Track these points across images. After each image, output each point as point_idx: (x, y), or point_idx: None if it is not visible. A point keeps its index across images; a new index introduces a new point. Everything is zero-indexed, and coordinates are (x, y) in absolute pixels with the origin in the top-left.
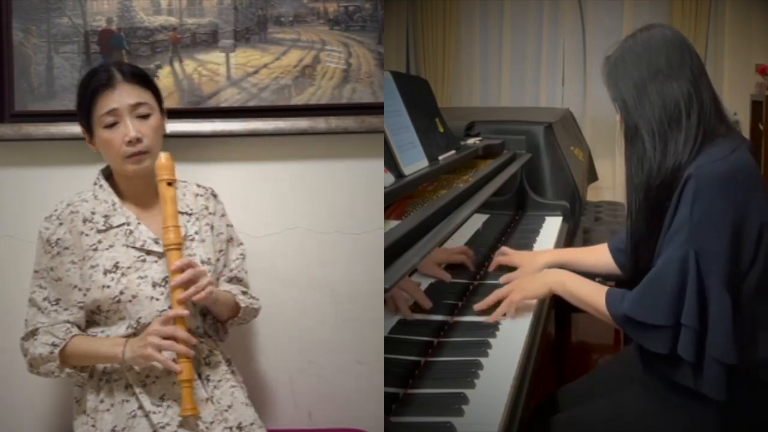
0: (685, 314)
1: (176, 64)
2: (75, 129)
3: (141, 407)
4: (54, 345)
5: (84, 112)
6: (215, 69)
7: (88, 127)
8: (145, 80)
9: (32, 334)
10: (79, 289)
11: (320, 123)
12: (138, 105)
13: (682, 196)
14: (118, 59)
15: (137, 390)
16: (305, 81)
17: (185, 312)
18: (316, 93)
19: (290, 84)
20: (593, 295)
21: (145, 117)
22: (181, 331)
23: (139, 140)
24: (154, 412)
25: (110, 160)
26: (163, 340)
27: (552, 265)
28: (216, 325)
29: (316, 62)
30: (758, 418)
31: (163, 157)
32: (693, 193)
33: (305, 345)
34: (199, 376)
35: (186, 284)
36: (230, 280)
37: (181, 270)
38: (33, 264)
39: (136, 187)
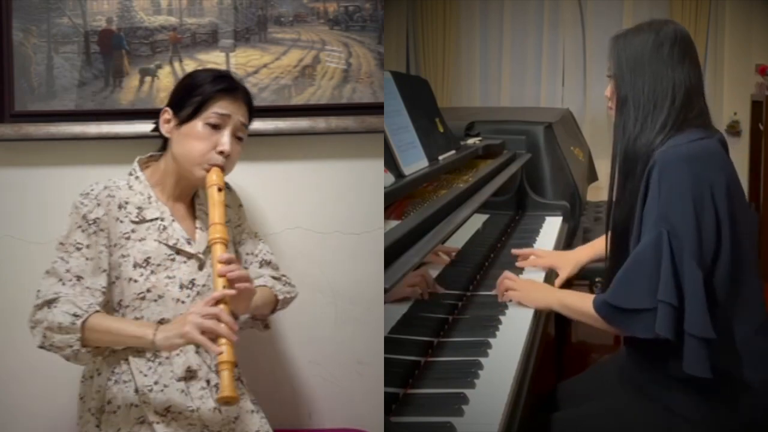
0: (661, 290)
1: (176, 64)
2: (75, 129)
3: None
4: (76, 315)
5: (193, 101)
6: None
7: (191, 113)
8: (252, 109)
9: (50, 302)
10: (107, 275)
11: (320, 123)
12: (243, 126)
13: (650, 180)
14: (118, 59)
15: (142, 398)
16: (305, 81)
17: (232, 291)
18: (316, 93)
19: (290, 84)
20: (586, 304)
21: (239, 140)
22: (225, 314)
23: (228, 156)
24: (158, 422)
25: (185, 153)
26: (205, 320)
27: (592, 260)
28: (255, 323)
29: (316, 62)
30: (751, 422)
31: (214, 171)
32: (659, 174)
33: (305, 345)
34: (207, 383)
35: (232, 279)
36: (261, 265)
37: (227, 262)
38: (61, 237)
39: (177, 185)
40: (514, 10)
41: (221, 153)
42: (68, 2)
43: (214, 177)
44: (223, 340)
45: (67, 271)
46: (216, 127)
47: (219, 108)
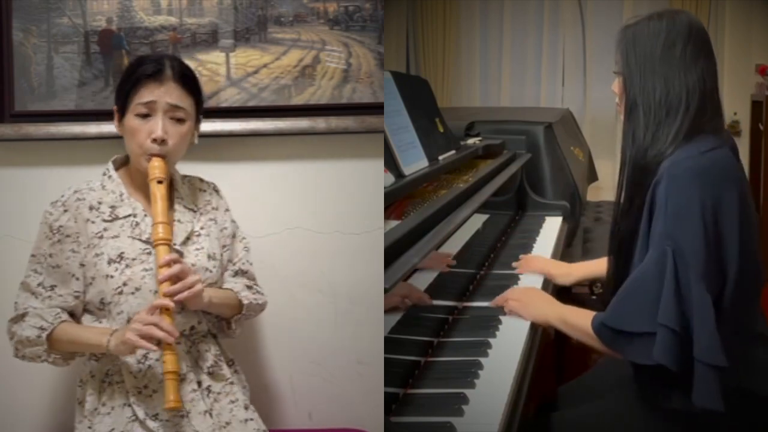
0: (662, 313)
1: None
2: (75, 129)
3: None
4: (42, 329)
5: (122, 94)
6: (215, 69)
7: (123, 109)
8: (191, 85)
9: (21, 317)
10: (77, 279)
11: (320, 123)
12: (176, 108)
13: (656, 193)
14: (118, 59)
15: (132, 399)
16: (305, 81)
17: (170, 303)
18: (316, 93)
19: (290, 84)
20: (586, 322)
21: (179, 121)
22: (165, 322)
23: (164, 141)
24: (150, 420)
25: (129, 148)
26: (143, 327)
27: (586, 278)
28: (221, 323)
29: (316, 62)
30: (751, 427)
31: (155, 161)
32: (666, 189)
33: (305, 345)
34: (199, 384)
35: (174, 280)
36: (235, 274)
37: (169, 264)
38: (32, 247)
39: (144, 179)
40: (514, 10)
41: (155, 140)
42: (68, 2)
43: (155, 170)
44: (167, 351)
45: (39, 284)
46: (147, 116)
47: (143, 96)
